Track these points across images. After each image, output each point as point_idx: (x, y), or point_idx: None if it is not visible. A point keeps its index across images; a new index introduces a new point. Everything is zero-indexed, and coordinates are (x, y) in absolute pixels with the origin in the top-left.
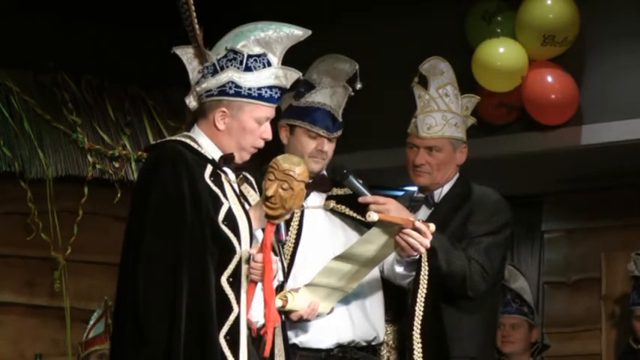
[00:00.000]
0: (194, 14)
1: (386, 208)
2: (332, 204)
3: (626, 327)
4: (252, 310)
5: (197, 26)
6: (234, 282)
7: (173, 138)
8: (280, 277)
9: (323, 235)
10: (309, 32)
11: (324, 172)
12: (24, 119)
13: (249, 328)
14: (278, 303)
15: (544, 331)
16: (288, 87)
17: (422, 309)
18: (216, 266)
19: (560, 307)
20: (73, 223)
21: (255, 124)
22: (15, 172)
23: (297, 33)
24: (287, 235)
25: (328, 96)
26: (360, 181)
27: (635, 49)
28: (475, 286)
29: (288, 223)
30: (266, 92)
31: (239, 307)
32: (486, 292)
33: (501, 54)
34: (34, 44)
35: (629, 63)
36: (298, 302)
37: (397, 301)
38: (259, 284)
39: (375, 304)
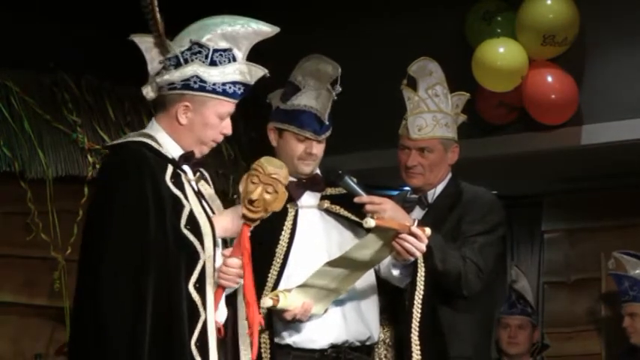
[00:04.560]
0: (155, 3)
1: (382, 208)
2: (326, 204)
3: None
4: (217, 311)
5: (158, 16)
6: (200, 287)
7: (134, 139)
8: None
9: (317, 235)
10: (278, 29)
11: (318, 172)
12: (24, 119)
13: (218, 330)
14: (269, 302)
15: (543, 331)
16: (252, 83)
17: (419, 311)
18: (183, 273)
19: (560, 307)
20: (73, 223)
21: (217, 120)
22: (15, 172)
23: (265, 29)
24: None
25: (314, 98)
26: (356, 182)
27: (635, 49)
28: (470, 285)
29: (281, 222)
30: (230, 88)
31: (205, 312)
32: (481, 291)
33: (501, 54)
34: (34, 44)
35: (629, 63)
36: (290, 301)
37: (394, 299)
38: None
39: (370, 304)
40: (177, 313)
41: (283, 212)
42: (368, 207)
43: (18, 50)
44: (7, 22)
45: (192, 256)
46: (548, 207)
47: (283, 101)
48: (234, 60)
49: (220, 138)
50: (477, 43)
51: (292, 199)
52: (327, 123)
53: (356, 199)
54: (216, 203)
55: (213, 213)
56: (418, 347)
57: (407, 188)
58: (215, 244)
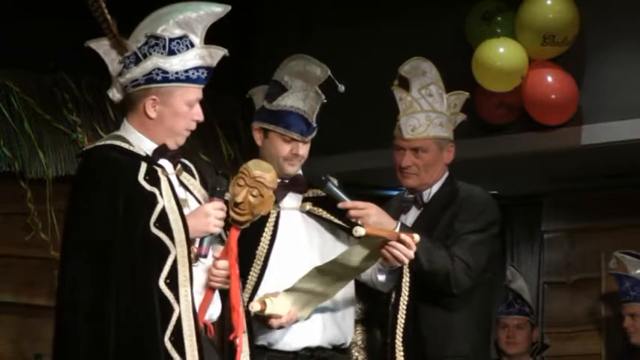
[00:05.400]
0: (104, 6)
1: (366, 213)
2: (308, 206)
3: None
4: (208, 311)
5: (109, 17)
6: (172, 282)
7: (103, 143)
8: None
9: (298, 238)
10: (229, 8)
11: (300, 173)
12: (24, 119)
13: (206, 327)
14: (256, 307)
15: (543, 331)
16: (214, 65)
17: (404, 316)
18: (152, 270)
19: (560, 307)
20: None
21: (186, 108)
22: (15, 172)
23: (216, 10)
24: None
25: (301, 100)
26: (339, 187)
27: (635, 49)
28: (459, 283)
29: (263, 224)
30: (193, 74)
31: (179, 306)
32: (475, 290)
33: (501, 54)
34: (34, 44)
35: (629, 63)
36: (278, 306)
37: (368, 301)
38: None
39: (347, 310)
40: (146, 309)
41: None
42: (352, 212)
43: (18, 50)
44: (7, 22)
45: (161, 253)
46: (548, 207)
47: (269, 101)
48: (192, 46)
49: (193, 126)
50: (477, 43)
51: (274, 200)
52: (314, 125)
53: (340, 205)
54: (202, 193)
55: (200, 203)
56: (402, 353)
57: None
58: (189, 240)
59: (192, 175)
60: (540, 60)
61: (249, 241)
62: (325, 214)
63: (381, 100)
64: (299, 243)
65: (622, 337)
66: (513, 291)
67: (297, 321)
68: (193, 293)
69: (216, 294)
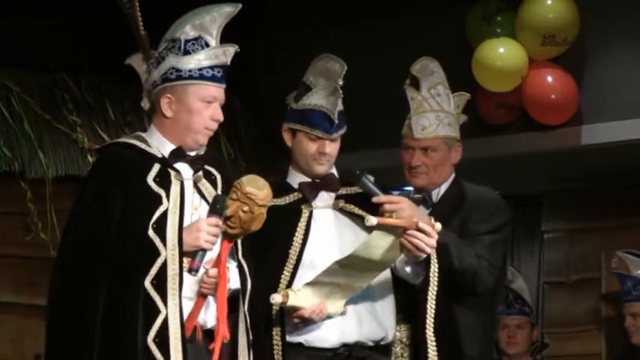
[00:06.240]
0: (139, 19)
1: (400, 207)
2: (341, 203)
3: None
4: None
5: (142, 31)
6: (159, 284)
7: (118, 140)
8: (232, 285)
9: (330, 236)
10: (240, 6)
11: (334, 172)
12: (24, 119)
13: (197, 331)
14: (278, 298)
15: (543, 331)
16: (229, 63)
17: (433, 306)
18: (140, 270)
19: (560, 307)
20: None
21: (201, 105)
22: (15, 172)
23: (227, 10)
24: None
25: (324, 97)
26: (373, 182)
27: (635, 49)
28: (484, 282)
29: (295, 223)
30: (207, 72)
31: (167, 308)
32: (492, 289)
33: (501, 54)
34: (34, 44)
35: (629, 63)
36: (301, 299)
37: (409, 298)
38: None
39: (385, 304)
40: (130, 307)
41: (297, 213)
42: (386, 207)
43: (18, 50)
44: (7, 22)
45: (151, 254)
46: (548, 207)
47: (296, 101)
48: (207, 46)
49: (212, 125)
50: (477, 43)
51: (306, 200)
52: (337, 121)
53: (374, 199)
54: None
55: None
56: (434, 344)
57: (408, 188)
58: (181, 245)
59: (214, 185)
60: (540, 60)
61: (281, 240)
62: (358, 210)
63: (381, 99)
64: (332, 241)
65: (622, 337)
66: (513, 291)
67: (329, 317)
68: (182, 300)
69: (212, 302)
